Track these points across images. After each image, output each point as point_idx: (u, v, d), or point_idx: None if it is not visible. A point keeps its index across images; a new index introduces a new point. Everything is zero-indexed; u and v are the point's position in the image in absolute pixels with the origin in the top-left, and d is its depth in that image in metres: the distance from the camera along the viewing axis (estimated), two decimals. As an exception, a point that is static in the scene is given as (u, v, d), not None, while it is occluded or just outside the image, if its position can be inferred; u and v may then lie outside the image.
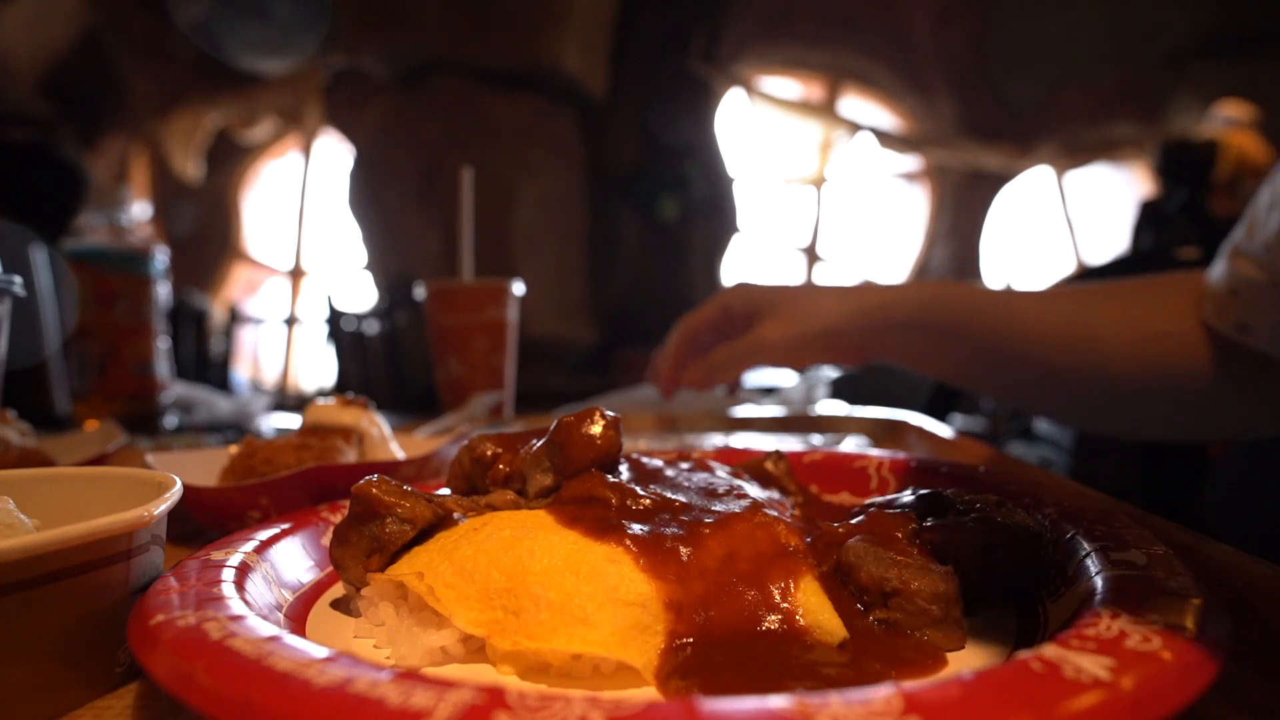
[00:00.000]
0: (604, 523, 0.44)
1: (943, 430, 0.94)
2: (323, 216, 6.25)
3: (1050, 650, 0.28)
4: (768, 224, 6.12)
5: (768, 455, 0.65)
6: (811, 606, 0.41)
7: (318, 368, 5.85)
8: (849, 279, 1.13)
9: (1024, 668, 0.27)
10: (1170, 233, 1.70)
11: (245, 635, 0.32)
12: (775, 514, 0.48)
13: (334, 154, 6.00)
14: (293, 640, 0.32)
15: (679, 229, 5.40)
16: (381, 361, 4.17)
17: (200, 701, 0.28)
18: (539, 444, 0.51)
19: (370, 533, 0.45)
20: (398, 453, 0.79)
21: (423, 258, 5.08)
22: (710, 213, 5.49)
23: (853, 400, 1.47)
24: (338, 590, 0.49)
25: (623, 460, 0.51)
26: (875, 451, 0.69)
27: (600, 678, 0.38)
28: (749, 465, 0.62)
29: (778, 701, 0.26)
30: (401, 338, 4.24)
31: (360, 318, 4.16)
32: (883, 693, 0.25)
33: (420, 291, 1.25)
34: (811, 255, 6.04)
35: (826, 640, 0.40)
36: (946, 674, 0.37)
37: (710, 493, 0.49)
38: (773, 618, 0.40)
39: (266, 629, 0.33)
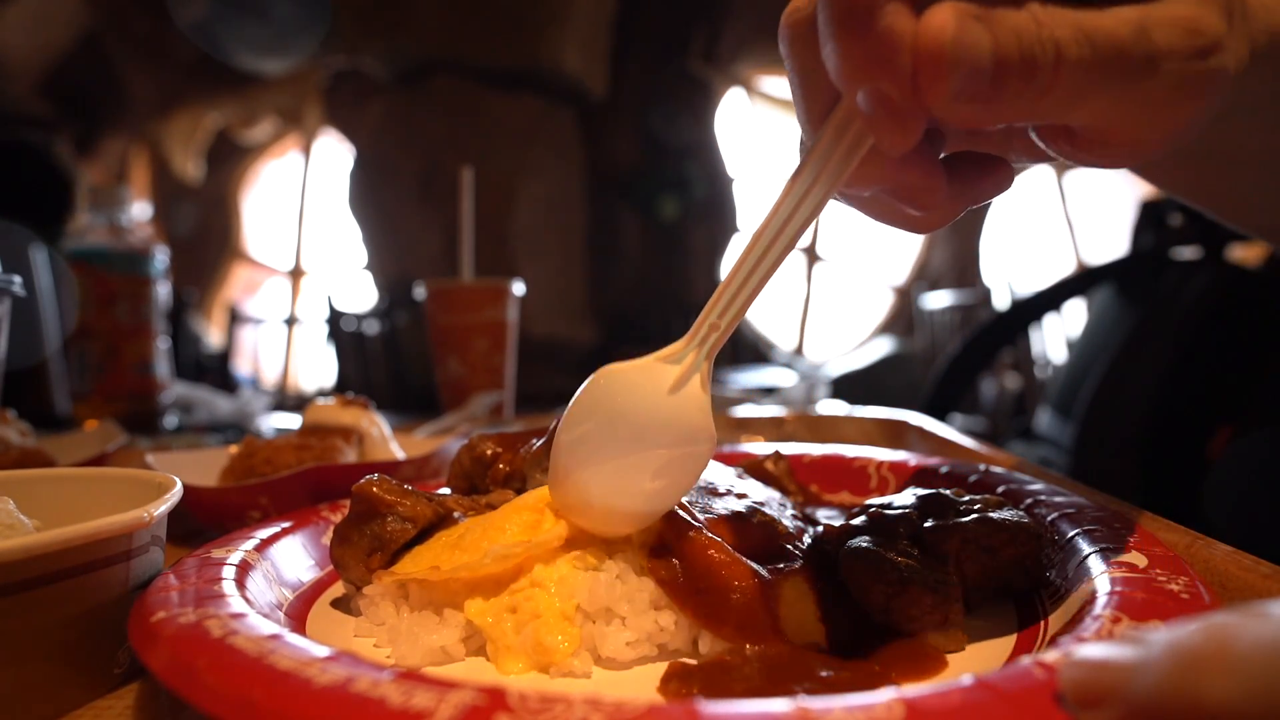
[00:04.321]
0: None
1: (943, 430, 0.94)
2: (323, 216, 6.25)
3: (1052, 656, 0.28)
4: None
5: (768, 455, 0.65)
6: (795, 600, 0.41)
7: (318, 368, 5.85)
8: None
9: (1026, 674, 0.27)
10: (1170, 232, 1.70)
11: (246, 633, 0.32)
12: (774, 514, 0.48)
13: (334, 154, 5.99)
14: (294, 639, 0.32)
15: (679, 229, 5.39)
16: (381, 361, 4.17)
17: (201, 699, 0.28)
18: (539, 444, 0.51)
19: (371, 531, 0.45)
20: (398, 453, 0.79)
21: (423, 258, 5.08)
22: (710, 213, 5.49)
23: (853, 400, 1.47)
24: (338, 589, 0.49)
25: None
26: (875, 451, 0.69)
27: (605, 675, 0.38)
28: (749, 465, 0.62)
29: (778, 705, 0.26)
30: (401, 338, 4.24)
31: (360, 318, 4.15)
32: (884, 698, 0.25)
33: (420, 291, 1.25)
34: (811, 255, 6.04)
35: (798, 638, 0.40)
36: (947, 677, 0.37)
37: (710, 492, 0.49)
38: (759, 616, 0.40)
39: (268, 627, 0.33)
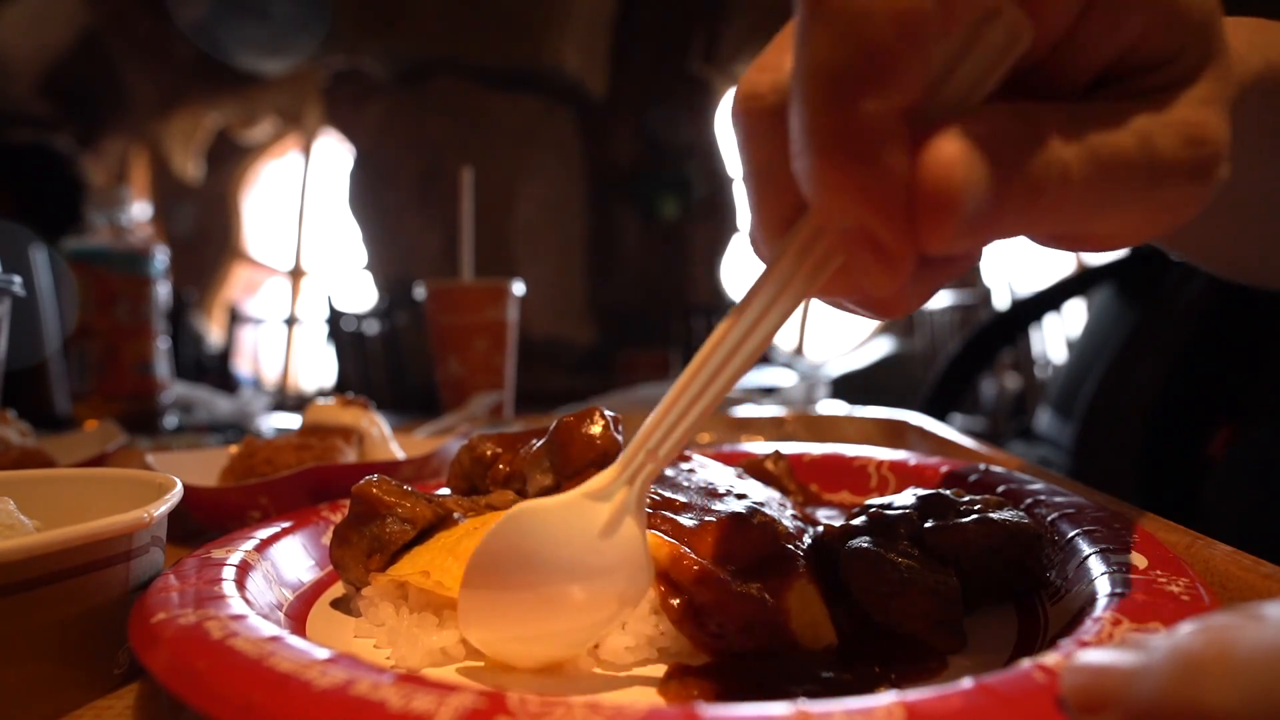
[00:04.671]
0: (604, 523, 0.44)
1: (943, 430, 0.94)
2: (323, 216, 6.25)
3: (1053, 659, 0.28)
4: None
5: (768, 455, 0.65)
6: (803, 609, 0.41)
7: (318, 368, 5.85)
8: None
9: (1027, 678, 0.27)
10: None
11: (246, 635, 0.32)
12: (774, 514, 0.48)
13: (334, 154, 5.99)
14: (294, 641, 0.32)
15: (679, 229, 5.40)
16: (381, 361, 4.17)
17: (201, 701, 0.28)
18: (539, 444, 0.51)
19: (371, 533, 0.45)
20: (398, 453, 0.79)
21: (423, 258, 5.08)
22: (710, 213, 5.50)
23: (853, 400, 1.47)
24: (338, 590, 0.49)
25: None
26: (875, 451, 0.69)
27: (605, 679, 0.38)
28: (749, 465, 0.62)
29: (778, 708, 0.26)
30: (401, 338, 4.24)
31: (360, 318, 4.16)
32: (884, 701, 0.25)
33: (420, 291, 1.25)
34: (811, 255, 6.03)
35: (813, 645, 0.40)
36: (947, 678, 0.37)
37: (710, 493, 0.49)
38: (764, 619, 0.40)
39: (268, 628, 0.33)
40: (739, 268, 5.72)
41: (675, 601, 0.40)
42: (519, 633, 0.38)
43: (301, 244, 6.32)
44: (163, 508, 0.41)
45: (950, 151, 0.26)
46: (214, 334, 5.63)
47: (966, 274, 0.38)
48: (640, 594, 0.37)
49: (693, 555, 0.41)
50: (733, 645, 0.39)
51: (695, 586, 0.40)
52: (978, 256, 0.37)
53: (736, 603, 0.39)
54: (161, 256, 1.32)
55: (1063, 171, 0.28)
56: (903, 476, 0.63)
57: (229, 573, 0.41)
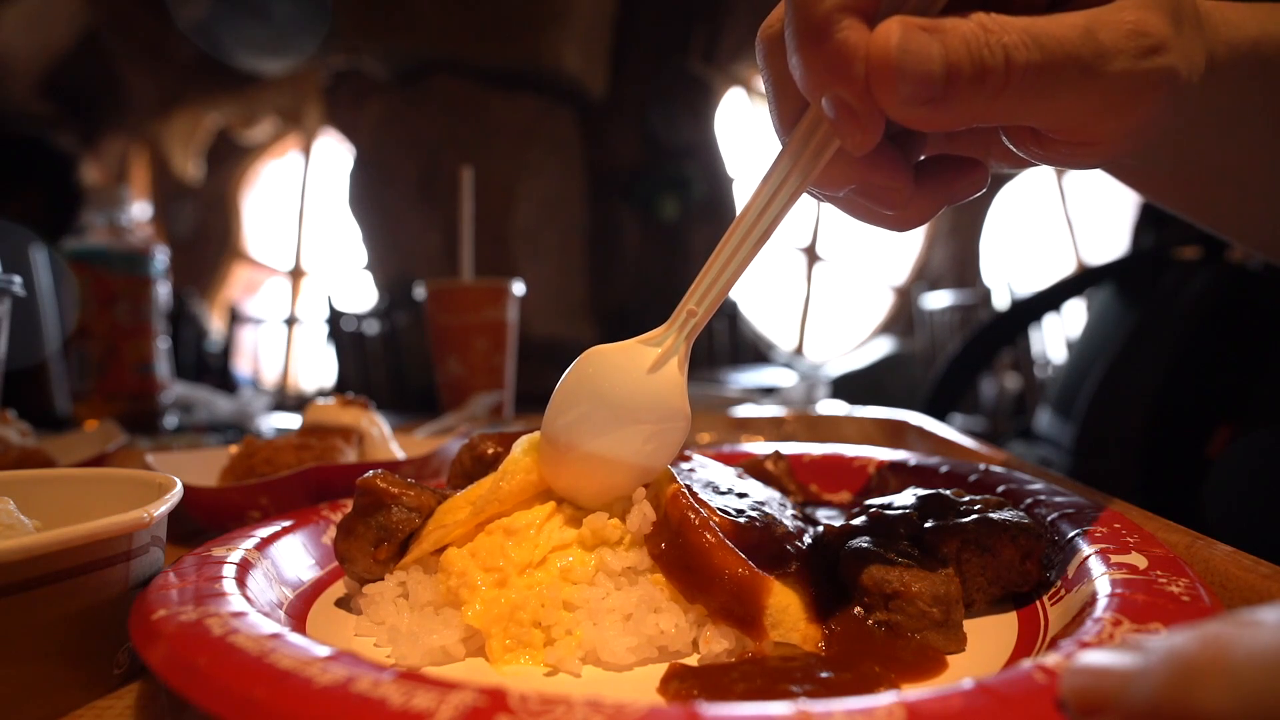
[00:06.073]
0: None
1: (943, 430, 0.94)
2: (323, 216, 6.25)
3: (1053, 660, 0.28)
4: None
5: (768, 455, 0.65)
6: (781, 594, 0.41)
7: (318, 368, 5.85)
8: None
9: (1027, 679, 0.27)
10: (1170, 232, 1.70)
11: (247, 632, 0.32)
12: (774, 514, 0.48)
13: (334, 154, 5.99)
14: (294, 638, 0.32)
15: (679, 229, 5.39)
16: (381, 361, 4.17)
17: (202, 697, 0.28)
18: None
19: (377, 522, 0.46)
20: (398, 453, 0.79)
21: (423, 258, 5.08)
22: (710, 213, 5.49)
23: (853, 400, 1.47)
24: (338, 589, 0.49)
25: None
26: (875, 451, 0.69)
27: (606, 678, 0.38)
28: (749, 465, 0.62)
29: (779, 708, 0.26)
30: (401, 338, 4.24)
31: (360, 318, 4.15)
32: (884, 701, 0.25)
33: (420, 291, 1.25)
34: (811, 255, 6.04)
35: (781, 635, 0.40)
36: (947, 678, 0.37)
37: (711, 491, 0.49)
38: (734, 576, 0.41)
39: (268, 626, 0.33)
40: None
41: (663, 543, 0.42)
42: (583, 457, 0.44)
43: (301, 244, 6.32)
44: (163, 508, 0.41)
45: (890, 26, 0.34)
46: (215, 333, 5.63)
47: (972, 195, 0.44)
48: (680, 436, 0.45)
49: (691, 498, 0.43)
50: (698, 588, 0.40)
51: (682, 520, 0.42)
52: (980, 181, 0.44)
53: (713, 549, 0.41)
54: (161, 256, 1.32)
55: (1006, 51, 0.34)
56: (903, 477, 0.63)
57: (229, 571, 0.41)
